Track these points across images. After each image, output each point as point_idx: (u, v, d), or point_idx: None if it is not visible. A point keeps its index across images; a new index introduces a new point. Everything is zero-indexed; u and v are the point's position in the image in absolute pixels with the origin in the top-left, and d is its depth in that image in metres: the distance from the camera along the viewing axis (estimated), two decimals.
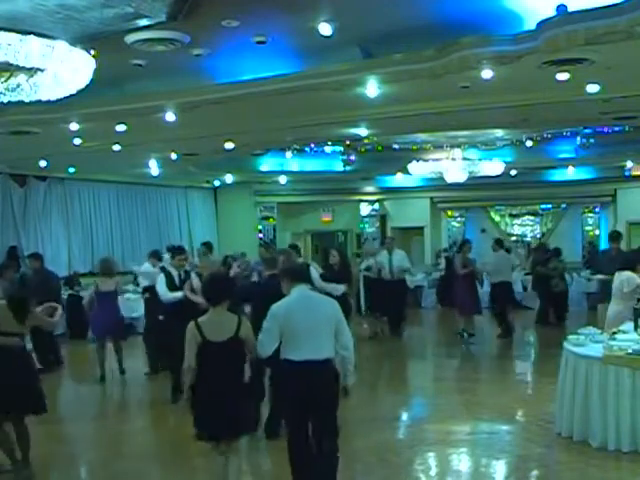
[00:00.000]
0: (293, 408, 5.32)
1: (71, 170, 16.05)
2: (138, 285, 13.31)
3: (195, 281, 8.59)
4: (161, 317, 9.25)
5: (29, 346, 7.69)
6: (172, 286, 8.85)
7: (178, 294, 8.68)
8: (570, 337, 7.17)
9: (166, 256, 14.80)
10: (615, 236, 11.60)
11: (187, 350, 5.08)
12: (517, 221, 21.24)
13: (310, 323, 5.19)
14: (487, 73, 7.67)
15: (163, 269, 9.32)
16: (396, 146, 16.45)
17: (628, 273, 8.26)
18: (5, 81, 5.83)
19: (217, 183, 20.71)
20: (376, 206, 21.62)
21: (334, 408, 5.34)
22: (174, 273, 9.00)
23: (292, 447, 5.36)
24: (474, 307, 13.36)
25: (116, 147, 12.43)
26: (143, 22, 6.29)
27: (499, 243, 14.28)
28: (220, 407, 5.05)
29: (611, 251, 11.33)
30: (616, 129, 14.53)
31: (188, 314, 8.30)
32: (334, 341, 5.26)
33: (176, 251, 9.44)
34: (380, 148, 16.78)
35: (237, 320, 5.16)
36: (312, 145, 17.21)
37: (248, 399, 5.33)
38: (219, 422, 5.09)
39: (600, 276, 10.75)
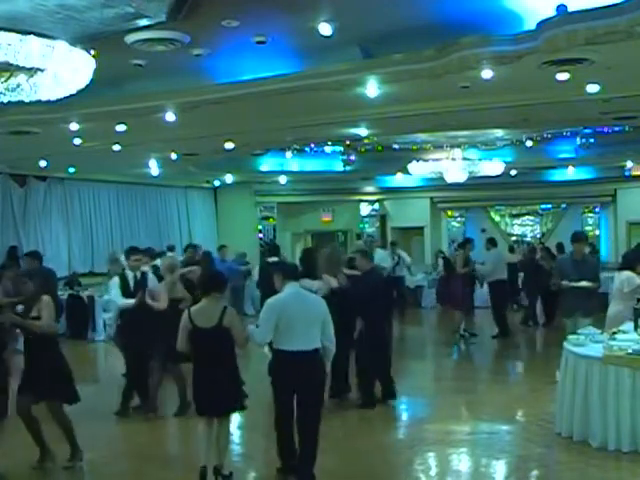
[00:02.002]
0: (284, 392, 5.76)
1: (71, 170, 16.05)
2: None
3: (152, 283, 8.38)
4: (119, 322, 8.89)
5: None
6: (127, 290, 8.36)
7: (130, 301, 8.18)
8: (570, 337, 7.17)
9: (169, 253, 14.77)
10: (581, 238, 9.60)
11: (179, 334, 5.82)
12: (517, 221, 21.25)
13: (303, 317, 5.66)
14: (487, 73, 7.67)
15: (122, 271, 8.81)
16: (396, 146, 16.45)
17: (628, 273, 8.25)
18: (5, 81, 5.82)
19: (217, 183, 20.71)
20: (376, 206, 21.62)
21: (321, 393, 5.90)
22: (130, 276, 8.46)
23: (281, 425, 5.85)
24: (468, 306, 13.49)
25: (116, 147, 12.43)
26: (143, 22, 6.30)
27: (492, 242, 14.39)
28: (208, 387, 5.71)
29: (575, 255, 9.30)
30: (616, 129, 14.52)
31: (145, 322, 8.05)
32: (320, 334, 5.75)
33: (130, 251, 8.76)
34: (380, 148, 16.78)
35: (222, 309, 5.76)
36: (312, 145, 17.21)
37: (235, 380, 5.89)
38: (208, 400, 5.75)
39: (585, 283, 9.05)
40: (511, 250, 18.29)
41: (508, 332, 13.53)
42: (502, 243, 19.38)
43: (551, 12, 6.23)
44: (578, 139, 15.42)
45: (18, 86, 5.90)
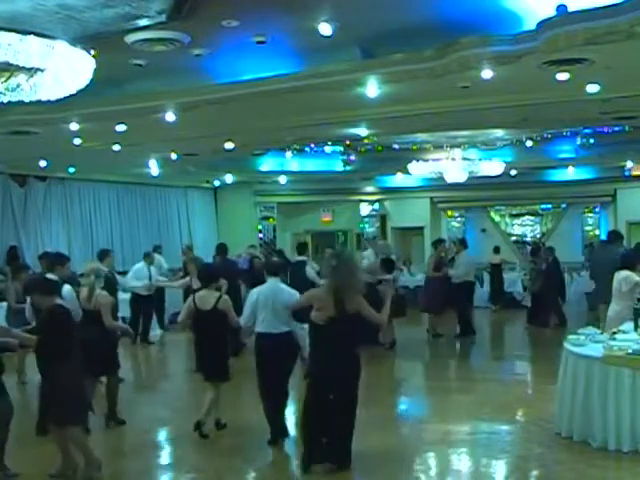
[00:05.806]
0: (261, 367, 6.97)
1: (71, 170, 16.06)
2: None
3: (68, 295, 7.36)
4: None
5: None
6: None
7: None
8: (570, 337, 7.17)
9: (157, 256, 14.77)
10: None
11: (182, 312, 7.56)
12: (517, 221, 21.25)
13: (273, 306, 6.84)
14: (487, 73, 7.67)
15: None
16: (396, 146, 16.45)
17: (627, 272, 8.25)
18: (5, 81, 5.82)
19: (217, 183, 20.71)
20: (376, 206, 21.62)
21: (287, 368, 6.98)
22: None
23: (266, 394, 7.03)
24: (437, 307, 13.49)
25: (116, 147, 12.43)
26: (143, 22, 6.30)
27: (462, 243, 14.45)
28: (205, 356, 7.31)
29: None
30: (616, 129, 14.52)
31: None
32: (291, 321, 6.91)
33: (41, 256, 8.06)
34: (380, 148, 16.78)
35: (217, 296, 7.31)
36: (312, 145, 17.21)
37: (226, 354, 7.39)
38: (206, 367, 7.34)
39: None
40: (496, 251, 18.28)
41: (472, 332, 13.61)
42: (491, 243, 19.33)
43: (551, 12, 6.23)
44: (578, 139, 15.44)
45: (18, 86, 5.89)
